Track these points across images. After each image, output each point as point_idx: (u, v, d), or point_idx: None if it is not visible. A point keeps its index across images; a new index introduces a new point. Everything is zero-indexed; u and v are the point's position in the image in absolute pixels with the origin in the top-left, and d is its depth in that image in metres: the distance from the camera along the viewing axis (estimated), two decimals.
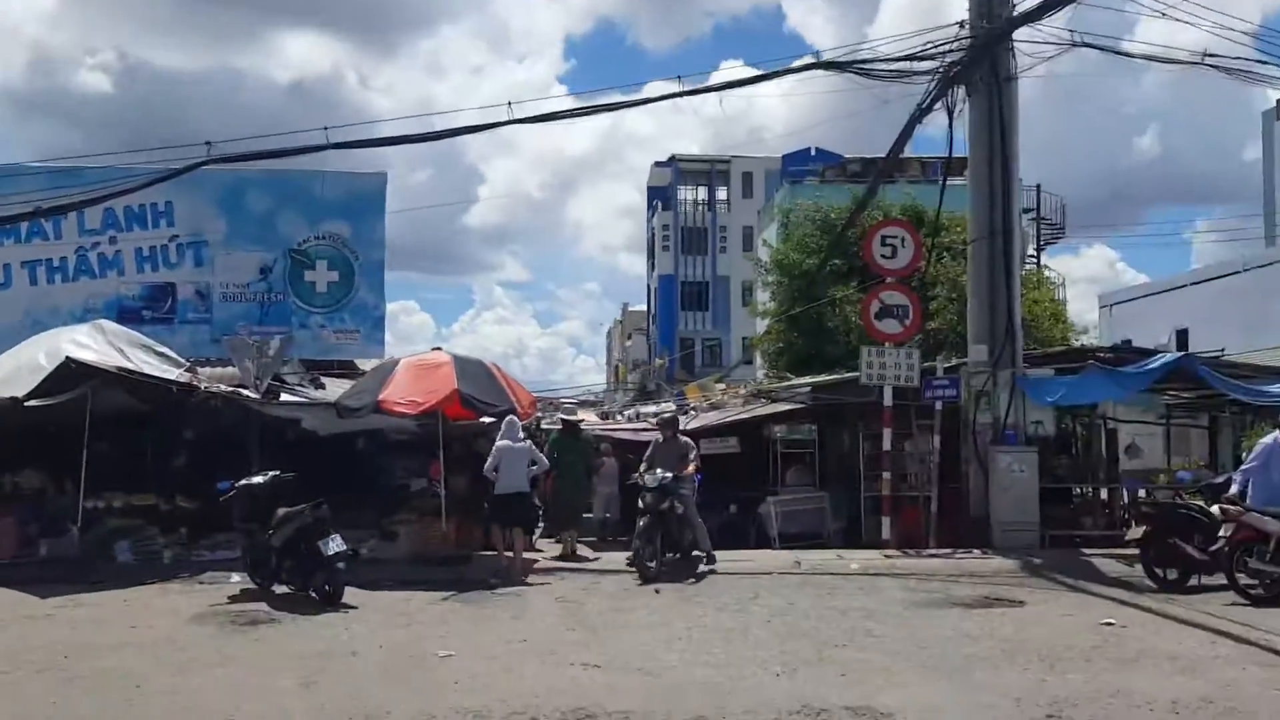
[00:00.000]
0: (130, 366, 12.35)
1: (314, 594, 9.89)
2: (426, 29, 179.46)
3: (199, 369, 13.78)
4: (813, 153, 46.78)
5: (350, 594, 9.87)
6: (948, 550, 12.67)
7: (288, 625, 8.90)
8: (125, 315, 16.68)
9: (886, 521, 13.41)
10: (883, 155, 18.17)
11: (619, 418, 22.24)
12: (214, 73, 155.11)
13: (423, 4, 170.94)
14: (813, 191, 30.36)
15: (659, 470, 11.61)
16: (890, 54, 13.41)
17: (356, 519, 12.23)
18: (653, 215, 62.60)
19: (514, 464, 11.90)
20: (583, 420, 15.87)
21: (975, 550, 12.66)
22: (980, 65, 13.41)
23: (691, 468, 11.97)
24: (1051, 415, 13.96)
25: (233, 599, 10.11)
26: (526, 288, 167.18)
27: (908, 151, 18.73)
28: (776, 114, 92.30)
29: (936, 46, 13.19)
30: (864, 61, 13.53)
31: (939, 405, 13.58)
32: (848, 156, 41.60)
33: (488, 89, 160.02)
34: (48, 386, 11.68)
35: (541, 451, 12.85)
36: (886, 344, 13.92)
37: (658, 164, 62.59)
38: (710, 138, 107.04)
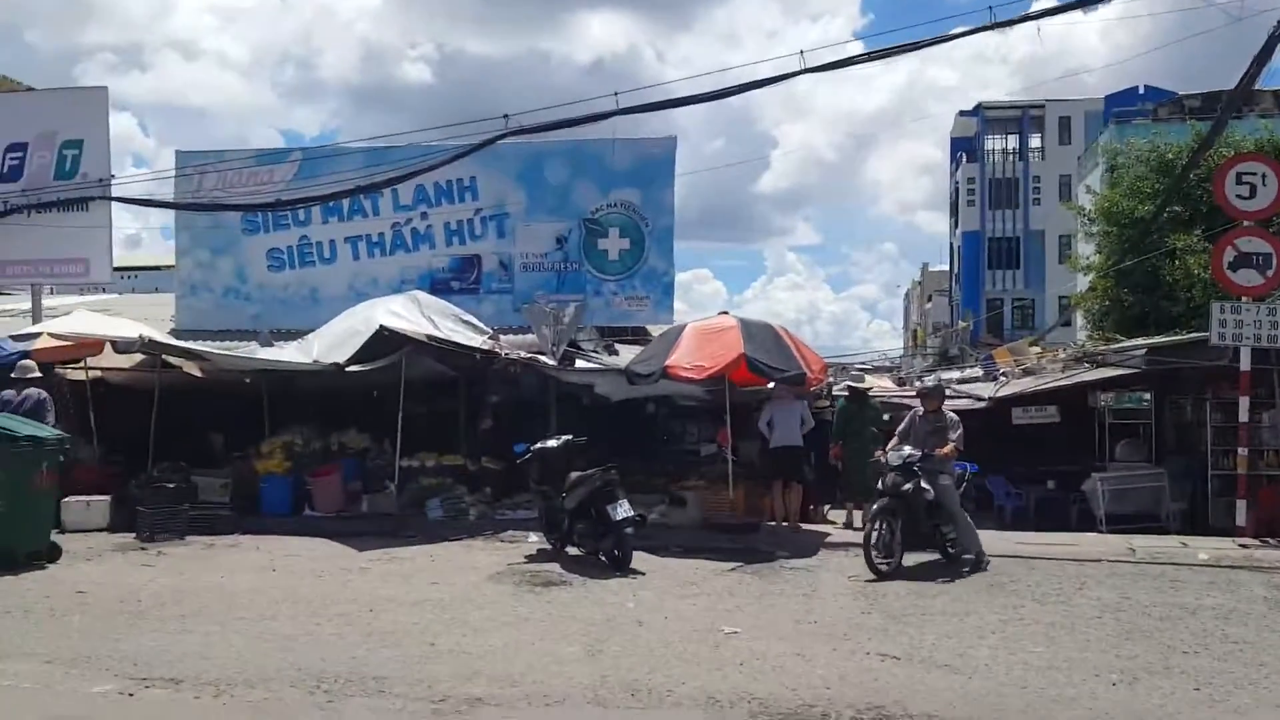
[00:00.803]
0: (439, 334, 13.00)
1: (603, 557, 9.91)
2: None
3: (500, 337, 14.34)
4: (1141, 90, 41.93)
5: (638, 559, 9.79)
6: None
7: (577, 589, 8.92)
8: (436, 286, 17.70)
9: (1241, 504, 11.62)
10: (1225, 89, 15.66)
11: (917, 384, 20.99)
12: (521, 57, 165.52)
13: None
14: (1145, 132, 26.91)
15: (906, 447, 10.01)
16: None
17: (646, 483, 12.24)
18: (956, 168, 59.11)
19: (787, 419, 12.12)
20: (871, 388, 14.87)
21: None
22: None
23: (949, 448, 10.04)
24: None
25: (529, 558, 10.34)
26: (818, 251, 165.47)
27: (1258, 84, 16.02)
28: (1096, 52, 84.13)
29: None
30: None
31: None
32: (1183, 93, 36.85)
33: (781, 52, 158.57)
34: (365, 353, 12.52)
35: (831, 420, 12.16)
36: (1243, 298, 11.99)
37: (962, 113, 58.88)
38: (1019, 84, 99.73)
